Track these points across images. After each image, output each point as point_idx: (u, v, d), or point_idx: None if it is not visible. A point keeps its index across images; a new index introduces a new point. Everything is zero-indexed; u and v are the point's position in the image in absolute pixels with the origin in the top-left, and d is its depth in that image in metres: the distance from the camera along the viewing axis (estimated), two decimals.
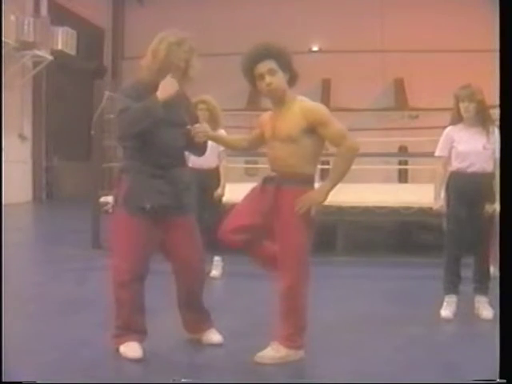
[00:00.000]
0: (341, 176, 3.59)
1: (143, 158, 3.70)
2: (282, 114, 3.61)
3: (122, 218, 3.76)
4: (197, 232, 3.93)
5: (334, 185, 3.58)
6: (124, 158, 3.81)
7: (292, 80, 3.64)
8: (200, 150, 4.05)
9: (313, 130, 3.53)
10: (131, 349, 3.70)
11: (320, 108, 3.61)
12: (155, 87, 3.68)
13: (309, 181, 3.63)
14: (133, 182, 3.72)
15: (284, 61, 3.58)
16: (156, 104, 3.59)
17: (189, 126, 3.75)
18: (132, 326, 3.76)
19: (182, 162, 3.91)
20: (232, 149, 4.11)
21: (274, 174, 3.66)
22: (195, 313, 3.98)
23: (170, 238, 3.81)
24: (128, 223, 3.72)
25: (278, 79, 3.56)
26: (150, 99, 3.59)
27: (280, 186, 3.59)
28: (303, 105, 3.59)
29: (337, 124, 3.56)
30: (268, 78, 3.55)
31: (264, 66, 3.55)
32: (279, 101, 3.65)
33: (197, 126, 3.76)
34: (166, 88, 3.62)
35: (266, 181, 3.70)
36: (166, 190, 3.72)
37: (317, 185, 3.73)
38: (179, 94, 3.77)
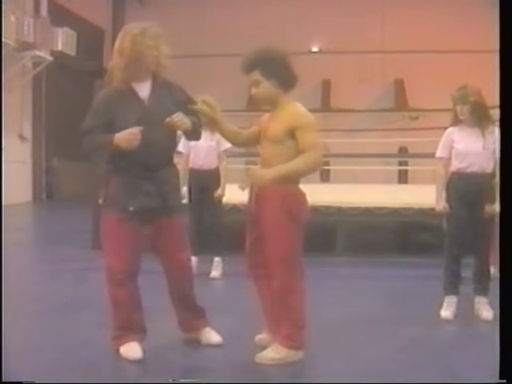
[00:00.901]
0: (292, 172, 3.55)
1: (129, 159, 3.65)
2: (275, 116, 3.68)
3: (111, 219, 3.74)
4: (184, 232, 3.97)
5: (284, 174, 3.53)
6: (111, 158, 3.75)
7: (285, 83, 3.63)
8: (194, 134, 3.90)
9: (293, 133, 3.56)
10: (131, 349, 3.70)
11: (305, 115, 3.65)
12: (130, 90, 3.67)
13: (292, 180, 3.63)
14: (119, 183, 3.72)
15: (271, 68, 3.58)
16: (109, 148, 3.60)
17: (168, 119, 3.60)
18: (131, 325, 3.77)
19: (170, 161, 3.88)
20: (228, 139, 4.08)
21: None
22: (189, 311, 3.98)
23: (157, 239, 3.82)
24: (117, 223, 3.71)
25: (263, 89, 3.62)
26: (106, 141, 3.59)
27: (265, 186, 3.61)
28: (292, 109, 3.65)
29: (313, 135, 3.59)
30: (252, 90, 3.66)
31: (250, 78, 3.63)
32: (271, 105, 3.71)
33: (174, 115, 3.62)
34: (126, 137, 3.55)
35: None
36: (153, 191, 3.70)
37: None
38: (162, 85, 3.74)
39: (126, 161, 3.67)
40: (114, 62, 3.66)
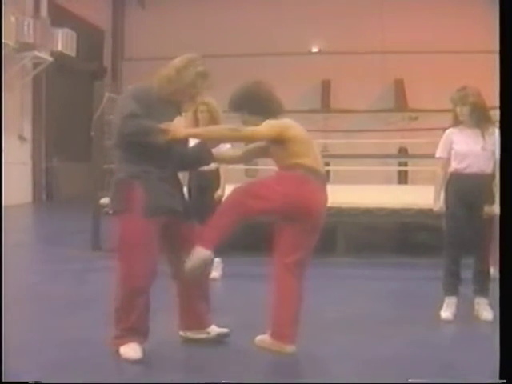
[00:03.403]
0: (202, 134, 3.91)
1: (155, 163, 3.71)
2: None
3: (138, 224, 3.68)
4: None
5: (194, 134, 3.92)
6: (131, 163, 3.74)
7: (271, 115, 3.74)
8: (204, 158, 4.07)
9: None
10: (131, 349, 3.70)
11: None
12: (169, 100, 3.77)
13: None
14: (152, 187, 3.70)
15: (257, 107, 3.76)
16: (159, 133, 3.61)
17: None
18: (137, 328, 3.77)
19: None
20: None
21: None
22: (205, 303, 4.04)
23: (177, 235, 3.85)
24: (146, 229, 3.68)
25: (251, 126, 3.73)
26: (157, 127, 3.61)
27: None
28: None
29: (262, 129, 3.67)
30: (243, 127, 3.81)
31: (239, 117, 3.84)
32: None
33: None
34: (179, 129, 3.67)
35: None
36: (176, 193, 3.85)
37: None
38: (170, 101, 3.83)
39: (151, 164, 3.70)
40: (167, 74, 3.78)
